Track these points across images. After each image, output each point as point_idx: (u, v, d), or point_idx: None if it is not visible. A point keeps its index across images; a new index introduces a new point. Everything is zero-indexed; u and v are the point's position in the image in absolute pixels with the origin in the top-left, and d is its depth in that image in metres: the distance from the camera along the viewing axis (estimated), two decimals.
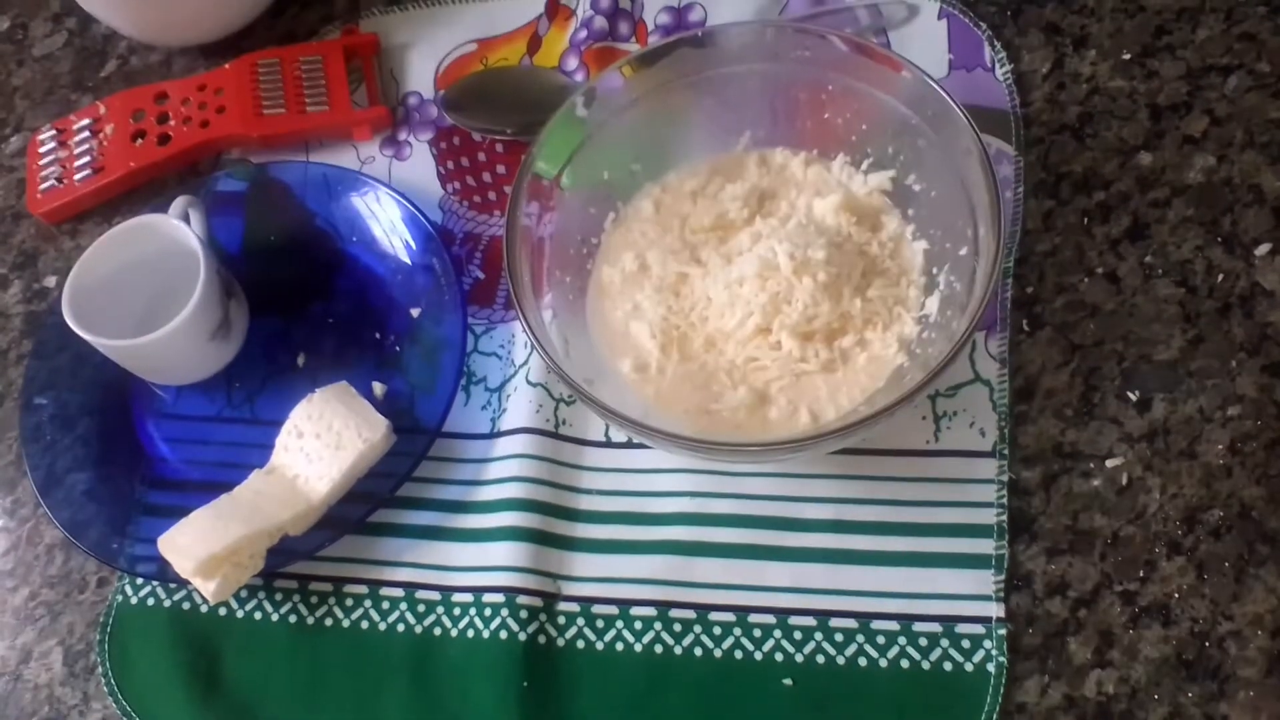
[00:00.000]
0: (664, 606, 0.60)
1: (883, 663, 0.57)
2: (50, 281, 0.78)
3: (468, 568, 0.63)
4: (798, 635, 0.58)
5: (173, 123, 0.78)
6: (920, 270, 0.61)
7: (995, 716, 0.55)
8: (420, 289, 0.70)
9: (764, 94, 0.65)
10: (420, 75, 0.79)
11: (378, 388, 0.68)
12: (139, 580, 0.66)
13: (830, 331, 0.60)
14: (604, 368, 0.62)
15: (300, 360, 0.71)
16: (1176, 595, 0.56)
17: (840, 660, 0.57)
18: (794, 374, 0.59)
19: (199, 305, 0.65)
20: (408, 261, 0.71)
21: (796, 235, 0.60)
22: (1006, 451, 0.60)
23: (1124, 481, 0.58)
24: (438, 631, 0.62)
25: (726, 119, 0.66)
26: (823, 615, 0.58)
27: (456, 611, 0.62)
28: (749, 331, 0.60)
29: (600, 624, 0.60)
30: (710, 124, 0.66)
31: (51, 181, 0.79)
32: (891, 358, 0.59)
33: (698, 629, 0.59)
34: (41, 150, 0.81)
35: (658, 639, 0.59)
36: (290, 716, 0.61)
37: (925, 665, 0.56)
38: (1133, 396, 0.60)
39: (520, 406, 0.65)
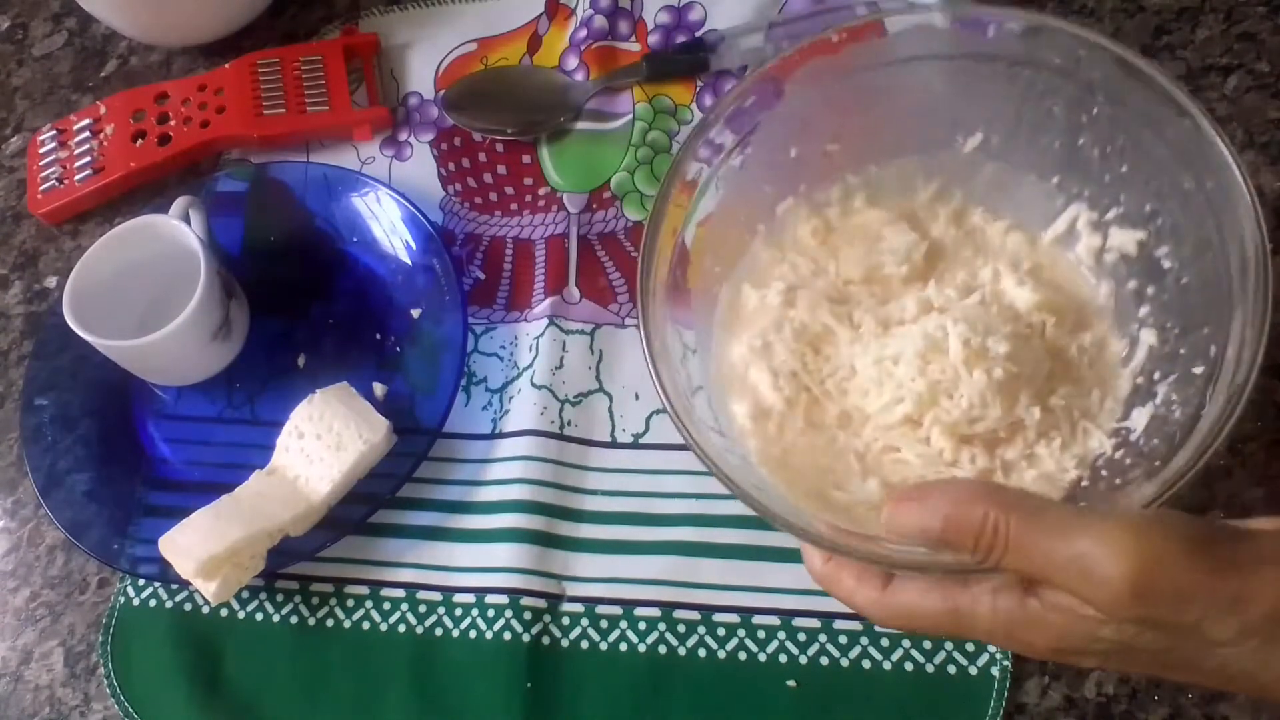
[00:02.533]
0: (668, 607, 0.60)
1: (887, 665, 0.57)
2: (51, 282, 0.78)
3: (470, 568, 0.63)
4: (802, 637, 0.58)
5: (173, 123, 0.78)
6: (1136, 371, 0.50)
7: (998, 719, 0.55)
8: (421, 289, 0.70)
9: (1012, 96, 0.53)
10: (420, 75, 0.79)
11: (378, 388, 0.68)
12: (140, 581, 0.66)
13: (994, 438, 0.51)
14: (713, 397, 0.54)
15: (301, 361, 0.71)
16: None
17: (844, 662, 0.57)
18: (939, 477, 0.51)
19: (200, 306, 0.65)
20: (408, 262, 0.71)
21: (976, 316, 0.50)
22: None
23: None
24: (439, 632, 0.62)
25: (959, 112, 0.55)
26: (827, 617, 0.58)
27: (458, 612, 0.62)
28: (895, 419, 0.51)
29: (604, 625, 0.60)
30: (937, 114, 0.55)
31: (52, 182, 0.79)
32: (1066, 481, 0.50)
33: (702, 630, 0.59)
34: (42, 150, 0.80)
35: (661, 640, 0.59)
36: (291, 717, 0.61)
37: (929, 668, 0.56)
38: None
39: (524, 409, 0.65)
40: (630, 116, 0.74)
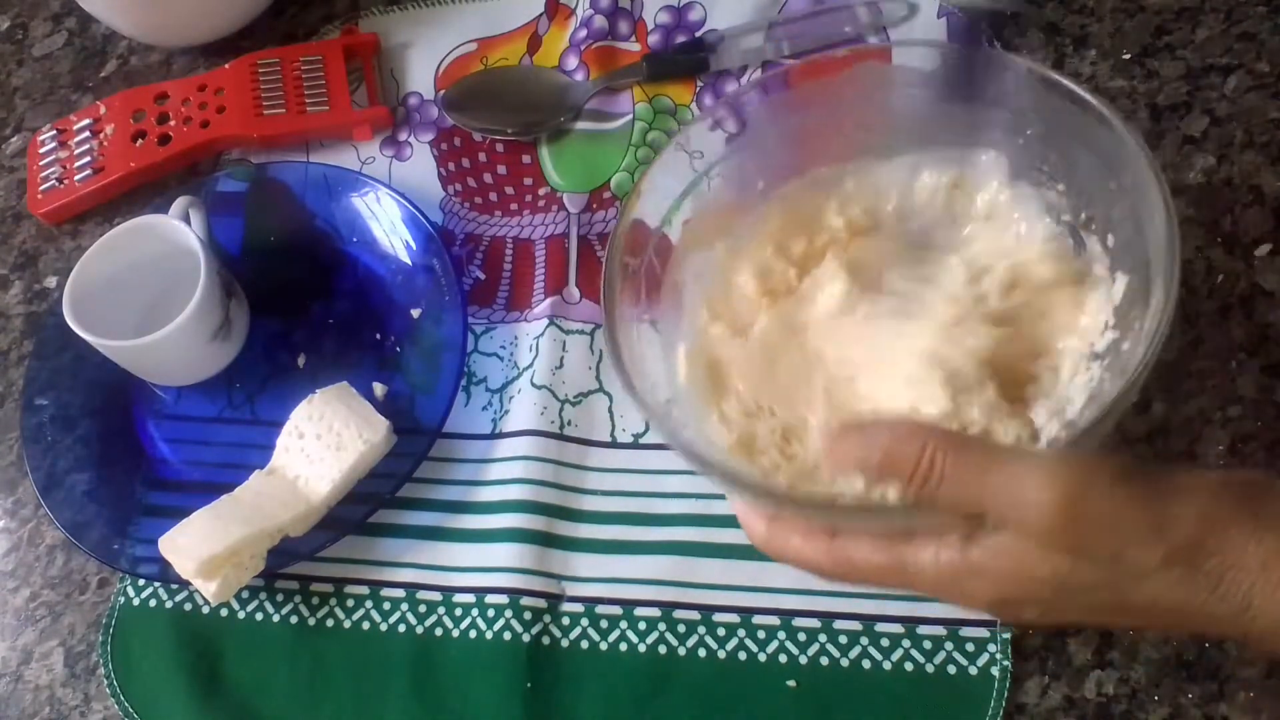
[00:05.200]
0: (668, 607, 0.60)
1: (887, 665, 0.57)
2: (51, 282, 0.78)
3: (470, 568, 0.63)
4: (802, 637, 0.58)
5: (173, 123, 0.78)
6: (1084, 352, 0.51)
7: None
8: (420, 290, 0.70)
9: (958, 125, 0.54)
10: (420, 75, 0.79)
11: (378, 388, 0.68)
12: (140, 581, 0.66)
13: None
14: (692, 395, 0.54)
15: (301, 361, 0.71)
16: None
17: (844, 662, 0.57)
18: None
19: (200, 306, 0.65)
20: (408, 262, 0.71)
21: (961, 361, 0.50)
22: None
23: None
24: (439, 632, 0.62)
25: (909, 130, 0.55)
26: (827, 617, 0.58)
27: (458, 612, 0.62)
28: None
29: (604, 625, 0.60)
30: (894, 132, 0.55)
31: (52, 182, 0.79)
32: None
33: (702, 630, 0.59)
34: (42, 150, 0.80)
35: (661, 640, 0.59)
36: (291, 717, 0.61)
37: (929, 668, 0.56)
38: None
39: (524, 409, 0.65)
40: (630, 117, 0.74)
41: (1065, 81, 0.49)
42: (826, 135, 0.56)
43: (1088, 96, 0.48)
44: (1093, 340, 0.50)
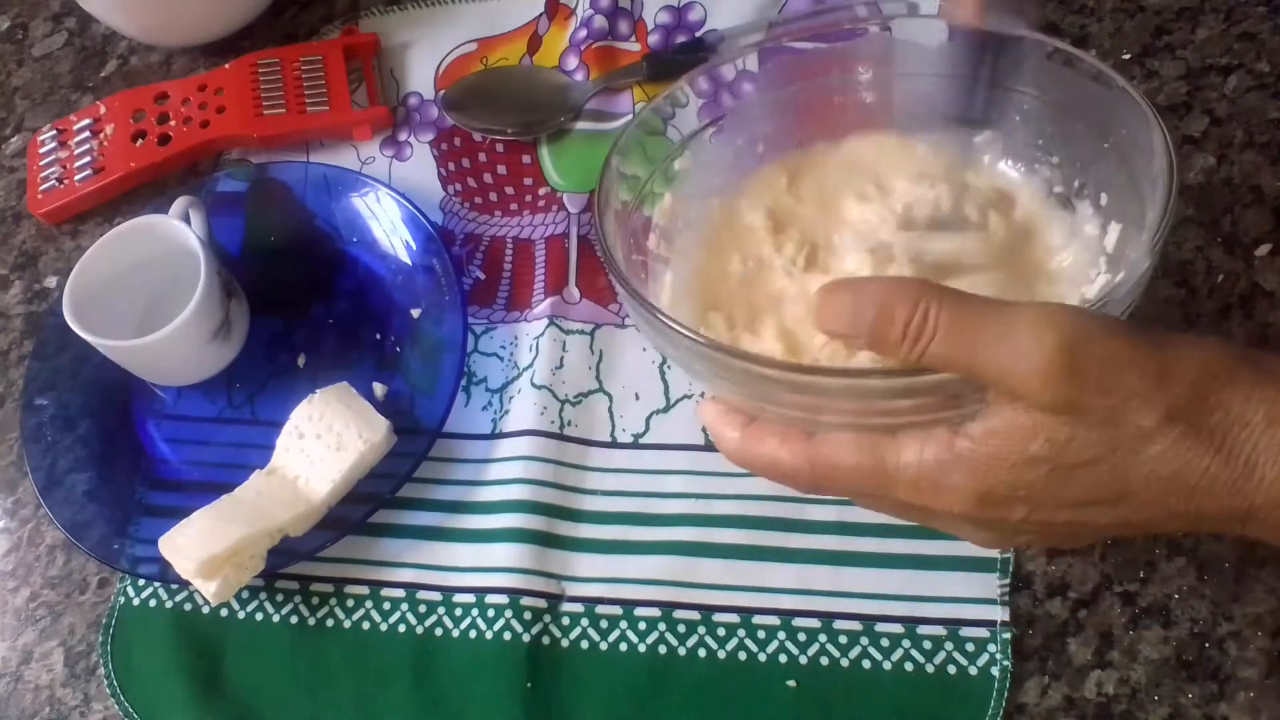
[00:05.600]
0: (668, 607, 0.60)
1: (887, 665, 0.57)
2: (51, 282, 0.78)
3: (470, 568, 0.63)
4: (802, 637, 0.58)
5: (173, 123, 0.78)
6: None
7: None
8: (420, 290, 0.70)
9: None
10: (420, 75, 0.79)
11: (378, 388, 0.68)
12: (140, 581, 0.66)
13: None
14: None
15: (301, 361, 0.71)
16: (1176, 596, 0.56)
17: (844, 662, 0.57)
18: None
19: (200, 306, 0.65)
20: (408, 262, 0.71)
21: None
22: None
23: None
24: (439, 632, 0.62)
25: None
26: (827, 617, 0.58)
27: (458, 612, 0.62)
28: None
29: (604, 625, 0.60)
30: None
31: (52, 182, 0.79)
32: None
33: (701, 630, 0.59)
34: (42, 150, 0.80)
35: (661, 640, 0.59)
36: (291, 717, 0.61)
37: (929, 668, 0.56)
38: None
39: (524, 409, 0.65)
40: (630, 116, 0.74)
41: (1052, 42, 0.49)
42: (822, 108, 0.57)
43: (1078, 53, 0.49)
44: (1083, 287, 0.50)
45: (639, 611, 0.60)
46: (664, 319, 0.45)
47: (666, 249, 0.56)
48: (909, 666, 0.57)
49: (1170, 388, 0.37)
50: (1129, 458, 0.38)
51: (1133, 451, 0.38)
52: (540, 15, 0.79)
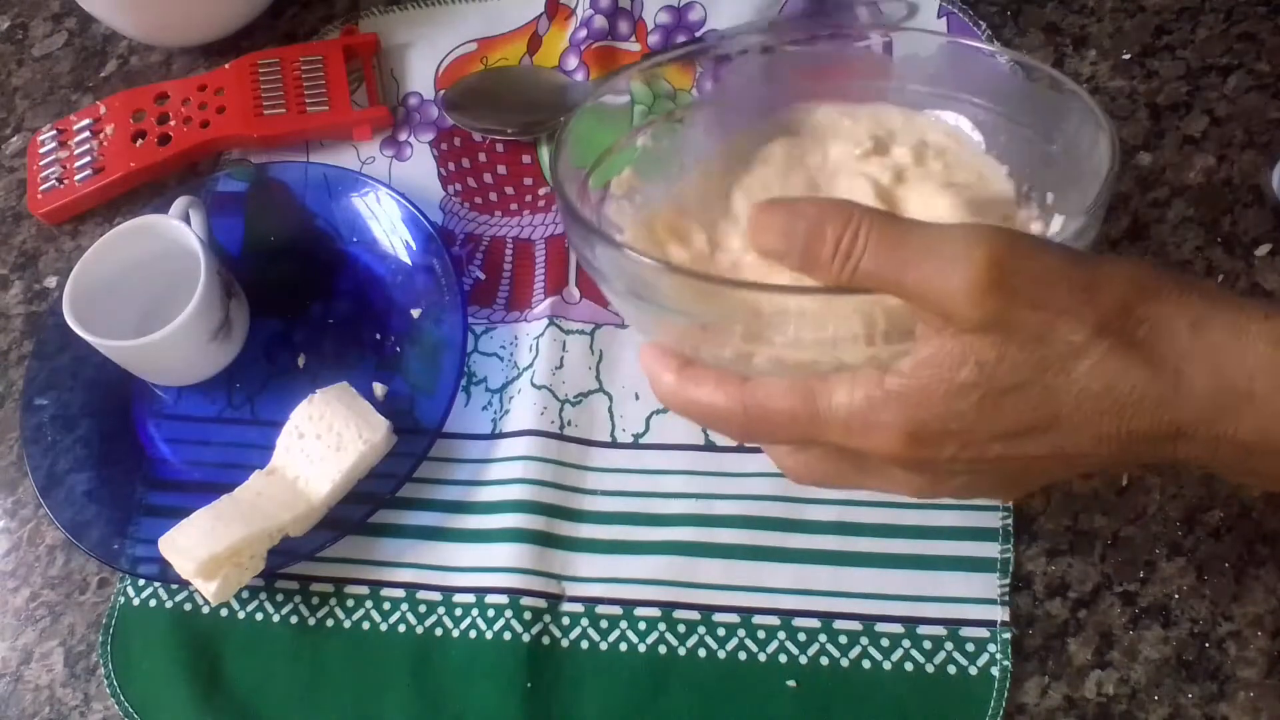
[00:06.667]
0: (668, 607, 0.60)
1: (887, 665, 0.57)
2: (51, 282, 0.78)
3: (470, 568, 0.63)
4: (802, 637, 0.58)
5: (173, 123, 0.78)
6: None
7: None
8: (420, 290, 0.70)
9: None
10: (420, 75, 0.79)
11: (378, 388, 0.68)
12: (140, 581, 0.66)
13: None
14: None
15: (301, 361, 0.71)
16: (1176, 596, 0.56)
17: (844, 662, 0.57)
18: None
19: (200, 306, 0.65)
20: (408, 262, 0.71)
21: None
22: None
23: (1124, 482, 0.58)
24: (439, 632, 0.62)
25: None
26: (827, 617, 0.58)
27: (458, 612, 0.62)
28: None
29: (604, 625, 0.60)
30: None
31: (52, 182, 0.79)
32: None
33: (701, 630, 0.59)
34: (42, 150, 0.80)
35: (661, 640, 0.59)
36: (291, 717, 0.61)
37: (929, 668, 0.56)
38: None
39: (524, 409, 0.65)
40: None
41: (987, 49, 0.51)
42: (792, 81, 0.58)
43: (1021, 58, 0.50)
44: None
45: (639, 611, 0.60)
46: (607, 235, 0.45)
47: (621, 217, 0.55)
48: (909, 666, 0.57)
49: (1099, 301, 0.37)
50: (1059, 378, 0.38)
51: (1063, 370, 0.38)
52: (540, 15, 0.79)
